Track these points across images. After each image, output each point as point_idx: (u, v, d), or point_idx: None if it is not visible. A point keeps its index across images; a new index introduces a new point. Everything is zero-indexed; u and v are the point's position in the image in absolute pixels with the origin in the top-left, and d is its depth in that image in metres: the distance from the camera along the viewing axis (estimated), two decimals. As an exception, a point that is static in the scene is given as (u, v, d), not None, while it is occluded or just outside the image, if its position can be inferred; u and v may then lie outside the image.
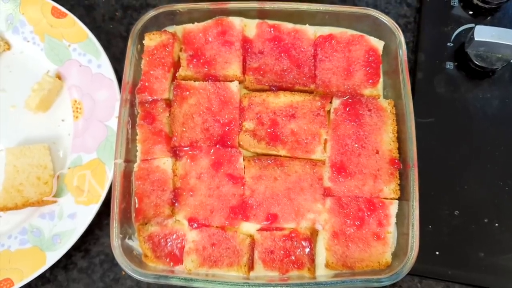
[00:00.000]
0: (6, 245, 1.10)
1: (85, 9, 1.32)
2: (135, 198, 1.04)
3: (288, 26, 1.14)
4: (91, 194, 1.12)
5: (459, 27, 1.25)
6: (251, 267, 1.01)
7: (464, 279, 1.10)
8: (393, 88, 1.10)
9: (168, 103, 1.10)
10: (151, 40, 1.11)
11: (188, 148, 1.07)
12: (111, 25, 1.31)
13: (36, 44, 1.24)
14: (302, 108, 1.08)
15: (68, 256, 1.13)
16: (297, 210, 1.03)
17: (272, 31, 1.13)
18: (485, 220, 1.12)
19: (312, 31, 1.13)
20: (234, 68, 1.11)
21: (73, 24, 1.21)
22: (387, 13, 1.18)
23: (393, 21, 1.10)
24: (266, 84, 1.10)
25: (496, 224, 1.11)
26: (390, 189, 1.03)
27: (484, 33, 1.15)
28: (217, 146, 1.06)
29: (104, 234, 1.16)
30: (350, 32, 1.14)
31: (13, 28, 1.24)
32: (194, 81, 1.11)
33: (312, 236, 1.02)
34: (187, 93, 1.09)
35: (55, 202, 1.13)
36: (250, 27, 1.14)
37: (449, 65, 1.23)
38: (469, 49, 1.18)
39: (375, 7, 1.30)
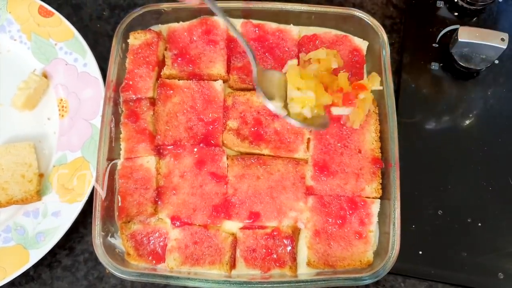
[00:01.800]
0: (-11, 243, 1.10)
1: (73, 8, 1.32)
2: (118, 196, 1.05)
3: (272, 25, 1.15)
4: (75, 192, 1.12)
5: (444, 28, 1.26)
6: (233, 265, 1.02)
7: (447, 278, 1.10)
8: (376, 88, 1.11)
9: (152, 102, 1.10)
10: (136, 39, 1.12)
11: (171, 146, 1.07)
12: (98, 24, 1.31)
13: (23, 43, 1.24)
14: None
15: (52, 254, 1.13)
16: (279, 208, 1.03)
17: (257, 31, 1.14)
18: (468, 220, 1.12)
19: (296, 31, 1.14)
20: (218, 67, 1.11)
21: (60, 23, 1.22)
22: (373, 14, 1.19)
23: (376, 22, 1.11)
24: (250, 84, 1.11)
25: (479, 224, 1.12)
26: (372, 188, 1.04)
27: (467, 34, 1.15)
28: (201, 145, 1.07)
29: (88, 232, 1.16)
30: (334, 32, 1.15)
31: (0, 26, 1.24)
32: (179, 80, 1.11)
33: (294, 235, 1.02)
34: (171, 91, 1.09)
35: (39, 199, 1.13)
36: (235, 26, 1.15)
37: (434, 65, 1.23)
38: (454, 50, 1.19)
39: (361, 8, 1.31)
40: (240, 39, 0.96)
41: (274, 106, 0.96)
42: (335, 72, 1.11)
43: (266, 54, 1.12)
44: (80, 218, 1.12)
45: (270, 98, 0.97)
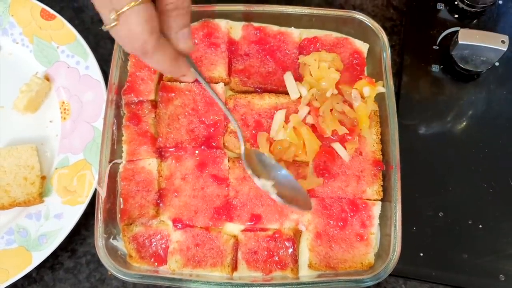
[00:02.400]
0: (-8, 245, 1.10)
1: (75, 11, 1.33)
2: (120, 198, 1.05)
3: (273, 28, 1.15)
4: (77, 194, 1.12)
5: (444, 30, 1.26)
6: (234, 267, 1.02)
7: (448, 280, 1.10)
8: (377, 90, 1.11)
9: (154, 104, 1.11)
10: (138, 42, 1.12)
11: (173, 149, 1.08)
12: (100, 27, 1.31)
13: (25, 46, 1.25)
14: (287, 110, 1.08)
15: (54, 256, 1.14)
16: (281, 211, 1.03)
17: (258, 34, 1.14)
18: (469, 222, 1.12)
19: (297, 34, 1.15)
20: (219, 70, 1.12)
21: (62, 26, 1.23)
22: (373, 16, 1.20)
23: (377, 24, 1.12)
24: (251, 86, 1.11)
25: (480, 226, 1.12)
26: (373, 190, 1.04)
27: (468, 36, 1.16)
28: (202, 147, 1.07)
29: (90, 234, 1.17)
30: (335, 34, 1.15)
31: (3, 29, 1.25)
32: (180, 82, 1.11)
33: (296, 237, 1.03)
34: (173, 94, 1.10)
35: (42, 202, 1.13)
36: (236, 29, 1.16)
37: (435, 68, 1.24)
38: (454, 52, 1.19)
39: (362, 10, 1.31)
40: (227, 113, 1.00)
41: (261, 183, 0.97)
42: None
43: (267, 56, 1.13)
44: (82, 220, 1.12)
45: (258, 175, 0.98)
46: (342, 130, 1.04)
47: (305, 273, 1.02)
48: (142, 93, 1.10)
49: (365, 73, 1.14)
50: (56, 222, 1.11)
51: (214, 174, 1.06)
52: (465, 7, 1.25)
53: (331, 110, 1.05)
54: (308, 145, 1.03)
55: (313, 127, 1.06)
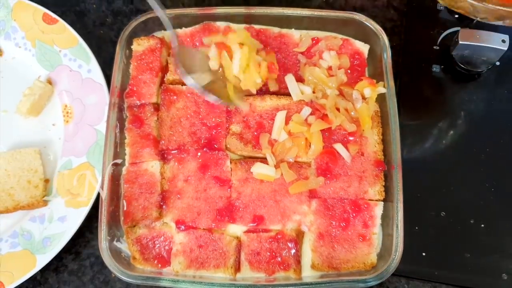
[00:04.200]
0: (-3, 248, 1.11)
1: (76, 15, 1.34)
2: (124, 201, 1.06)
3: (274, 30, 1.16)
4: (81, 197, 1.13)
5: (445, 31, 1.26)
6: (237, 268, 1.03)
7: (450, 280, 1.10)
8: (378, 91, 1.11)
9: (156, 107, 1.11)
10: (139, 45, 1.13)
11: (175, 151, 1.08)
12: (102, 31, 1.33)
13: (28, 50, 1.25)
14: (288, 111, 1.09)
15: (58, 258, 1.14)
16: (283, 212, 1.04)
17: (259, 36, 1.14)
18: (471, 221, 1.13)
19: (298, 36, 1.15)
20: (221, 72, 1.12)
21: (64, 30, 1.23)
22: (374, 17, 1.20)
23: (377, 25, 1.12)
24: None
25: (482, 225, 1.12)
26: (375, 191, 1.05)
27: (468, 36, 1.16)
28: (204, 149, 1.08)
29: (94, 237, 1.17)
30: (335, 36, 1.16)
31: (5, 34, 1.25)
32: (182, 85, 1.12)
33: (298, 238, 1.03)
34: (175, 97, 1.10)
35: (45, 205, 1.14)
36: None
37: (435, 68, 1.24)
38: (454, 52, 1.20)
39: (362, 11, 1.32)
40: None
41: (192, 80, 0.97)
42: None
43: (269, 58, 1.13)
44: (86, 223, 1.13)
45: (189, 73, 0.98)
46: (351, 127, 1.04)
47: (308, 274, 1.03)
48: (144, 96, 1.11)
49: (366, 74, 1.14)
50: (60, 225, 1.12)
51: (217, 176, 1.06)
52: (465, 7, 1.26)
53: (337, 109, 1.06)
54: (314, 138, 1.04)
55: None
